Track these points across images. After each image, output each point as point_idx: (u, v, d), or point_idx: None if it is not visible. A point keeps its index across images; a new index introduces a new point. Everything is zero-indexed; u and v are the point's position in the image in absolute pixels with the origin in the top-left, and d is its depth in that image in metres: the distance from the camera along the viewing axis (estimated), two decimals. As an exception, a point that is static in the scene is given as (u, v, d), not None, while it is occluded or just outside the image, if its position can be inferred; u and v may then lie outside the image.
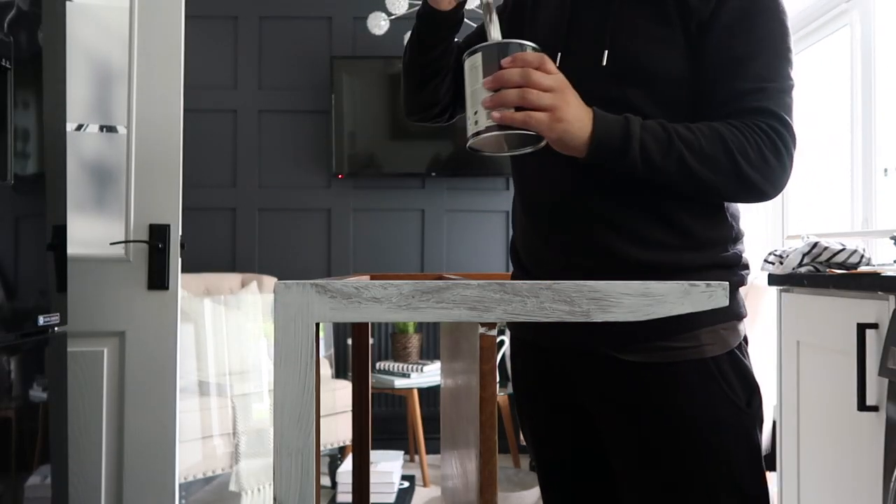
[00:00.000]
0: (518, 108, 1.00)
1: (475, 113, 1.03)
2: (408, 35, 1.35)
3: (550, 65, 1.03)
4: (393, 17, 3.75)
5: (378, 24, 3.73)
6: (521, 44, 1.05)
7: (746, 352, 1.16)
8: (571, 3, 1.20)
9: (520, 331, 1.29)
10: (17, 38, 1.77)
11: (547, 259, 1.19)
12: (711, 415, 1.08)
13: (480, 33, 1.26)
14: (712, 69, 1.10)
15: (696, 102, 1.12)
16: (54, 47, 1.92)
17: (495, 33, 1.08)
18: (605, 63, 1.11)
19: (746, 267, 1.19)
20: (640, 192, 1.11)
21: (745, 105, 1.08)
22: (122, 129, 2.30)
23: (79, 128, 2.32)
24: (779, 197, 1.71)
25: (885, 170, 2.85)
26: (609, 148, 1.04)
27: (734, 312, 1.13)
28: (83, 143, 2.33)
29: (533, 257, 1.23)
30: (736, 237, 1.17)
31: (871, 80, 2.88)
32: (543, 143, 1.06)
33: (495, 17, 1.09)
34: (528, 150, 1.07)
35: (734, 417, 1.09)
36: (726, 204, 1.16)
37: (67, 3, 2.00)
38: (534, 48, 1.05)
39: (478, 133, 1.03)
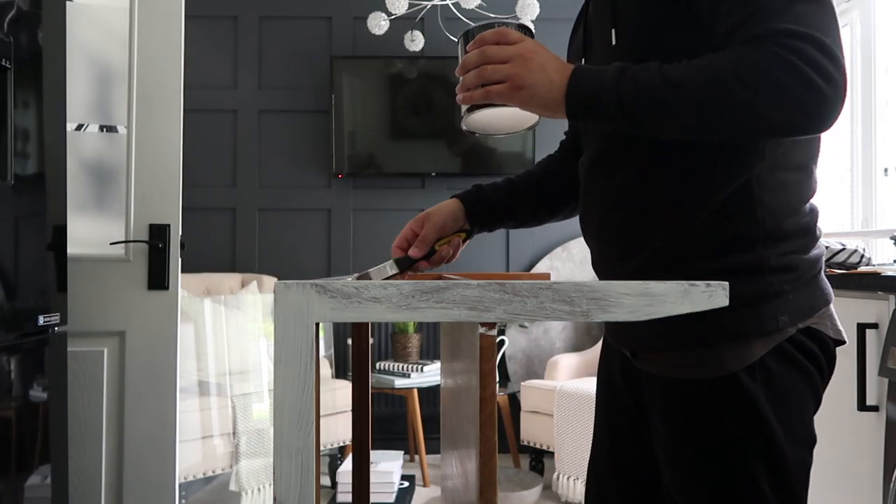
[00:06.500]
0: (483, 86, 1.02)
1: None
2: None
3: (511, 35, 1.02)
4: (393, 17, 3.74)
5: (378, 24, 3.73)
6: (485, 24, 1.07)
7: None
8: None
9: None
10: (17, 38, 1.77)
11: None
12: (721, 431, 1.06)
13: None
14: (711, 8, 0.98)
15: None
16: (54, 47, 1.92)
17: None
18: (614, 43, 1.09)
19: (775, 272, 1.02)
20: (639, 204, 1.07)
21: (743, 38, 0.92)
22: (122, 129, 2.30)
23: (79, 128, 2.32)
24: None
25: (885, 170, 2.85)
26: (582, 103, 0.98)
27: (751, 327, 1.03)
28: (83, 143, 2.33)
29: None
30: (766, 236, 1.02)
31: (871, 80, 2.88)
32: (537, 120, 1.10)
33: None
34: (526, 129, 1.12)
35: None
36: (737, 198, 1.01)
37: (67, 3, 2.00)
38: (504, 24, 1.06)
39: (461, 118, 1.09)
